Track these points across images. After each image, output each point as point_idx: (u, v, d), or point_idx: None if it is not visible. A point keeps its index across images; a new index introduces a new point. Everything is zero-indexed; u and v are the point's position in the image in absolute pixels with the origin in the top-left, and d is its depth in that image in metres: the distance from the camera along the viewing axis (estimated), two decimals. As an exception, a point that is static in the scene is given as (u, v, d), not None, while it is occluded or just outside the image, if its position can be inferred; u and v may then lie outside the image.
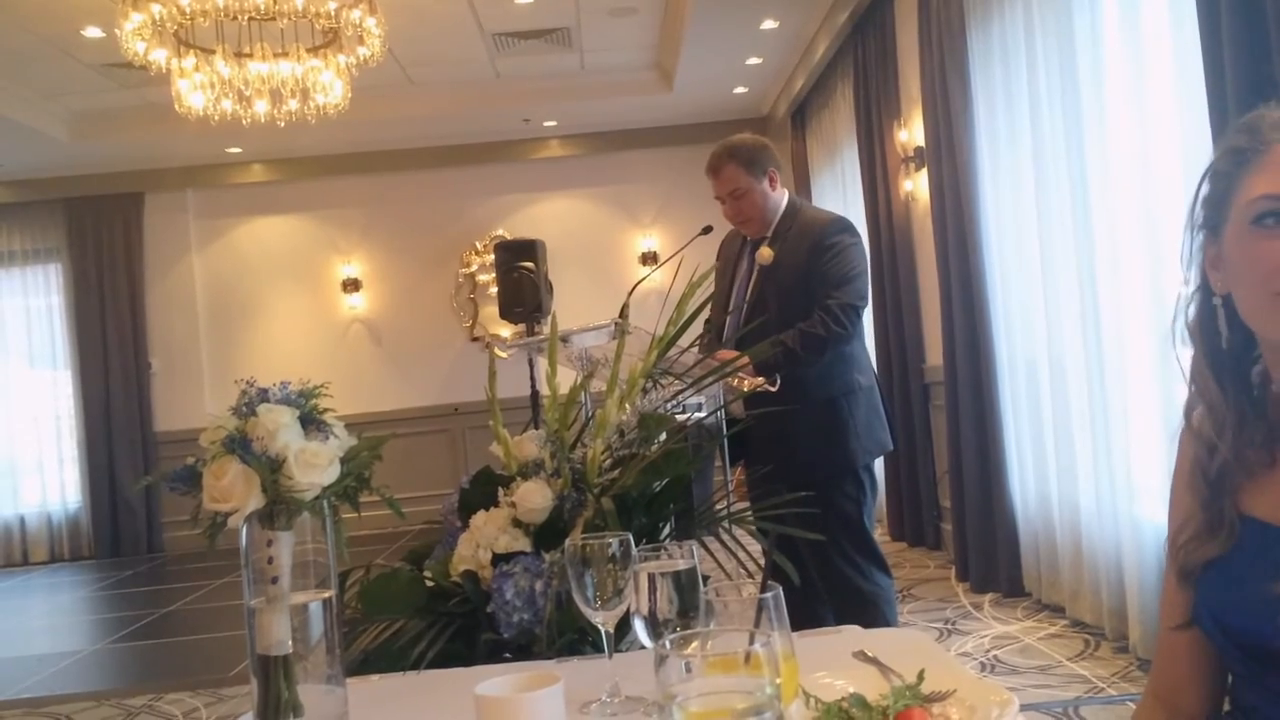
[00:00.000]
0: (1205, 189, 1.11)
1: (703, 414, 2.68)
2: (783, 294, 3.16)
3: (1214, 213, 1.09)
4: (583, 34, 7.21)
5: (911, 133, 5.77)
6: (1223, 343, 1.10)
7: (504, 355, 7.79)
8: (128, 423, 8.96)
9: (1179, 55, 3.20)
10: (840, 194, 7.17)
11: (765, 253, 3.22)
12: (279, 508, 1.13)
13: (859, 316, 3.13)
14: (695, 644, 0.82)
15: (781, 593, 1.02)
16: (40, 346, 9.17)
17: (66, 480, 9.10)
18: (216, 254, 9.23)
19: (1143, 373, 3.60)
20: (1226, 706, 1.17)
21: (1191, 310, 1.13)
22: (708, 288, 2.04)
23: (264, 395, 1.16)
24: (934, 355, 5.58)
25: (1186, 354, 1.15)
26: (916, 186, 5.78)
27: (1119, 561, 3.80)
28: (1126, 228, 3.65)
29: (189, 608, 6.54)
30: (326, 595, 1.17)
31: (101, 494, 8.93)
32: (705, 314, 2.59)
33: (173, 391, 9.01)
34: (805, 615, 3.16)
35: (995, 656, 3.90)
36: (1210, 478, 1.11)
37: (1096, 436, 3.93)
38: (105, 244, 9.01)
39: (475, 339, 9.20)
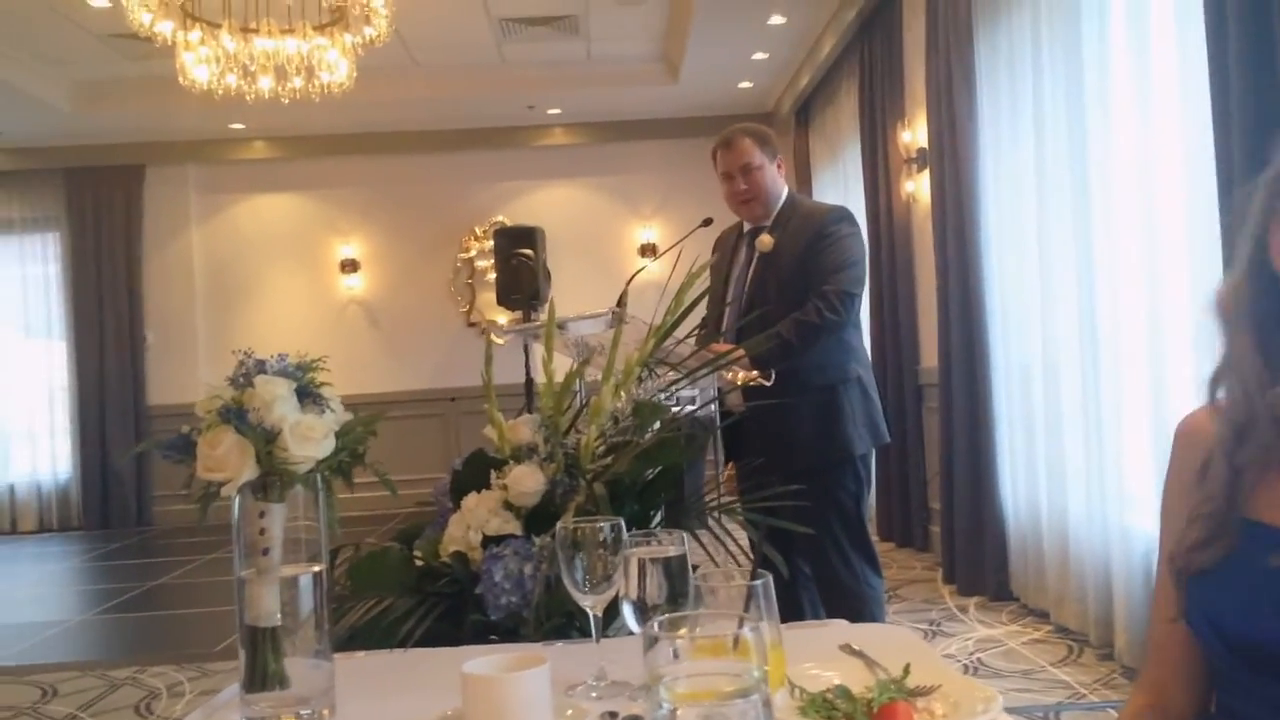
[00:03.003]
0: None
1: (695, 407, 2.68)
2: (783, 282, 3.17)
3: None
4: (590, 22, 7.20)
5: (915, 134, 5.77)
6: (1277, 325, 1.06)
7: (500, 341, 7.77)
8: (121, 395, 8.94)
9: (1184, 66, 3.20)
10: (842, 192, 7.17)
11: (765, 239, 3.22)
12: (272, 479, 1.13)
13: (854, 303, 3.13)
14: (684, 628, 0.83)
15: (771, 580, 1.02)
16: (35, 316, 9.14)
17: (58, 450, 9.08)
18: (215, 229, 9.21)
19: (1136, 382, 3.60)
20: (1213, 708, 1.17)
21: (1245, 289, 1.09)
22: (706, 279, 2.04)
23: (261, 366, 1.16)
24: (929, 357, 5.58)
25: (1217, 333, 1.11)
26: (918, 188, 5.78)
27: (1107, 569, 3.81)
28: (1126, 237, 3.65)
29: (176, 581, 6.54)
30: (317, 569, 1.17)
31: (92, 465, 8.91)
32: (703, 305, 2.60)
33: (167, 365, 8.99)
34: (789, 604, 3.18)
35: (979, 659, 3.91)
36: (1229, 469, 1.08)
37: (1089, 444, 3.93)
38: (104, 215, 8.99)
39: (472, 324, 9.20)
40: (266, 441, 1.11)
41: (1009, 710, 1.05)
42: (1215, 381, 1.13)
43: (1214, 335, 1.13)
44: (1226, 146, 2.85)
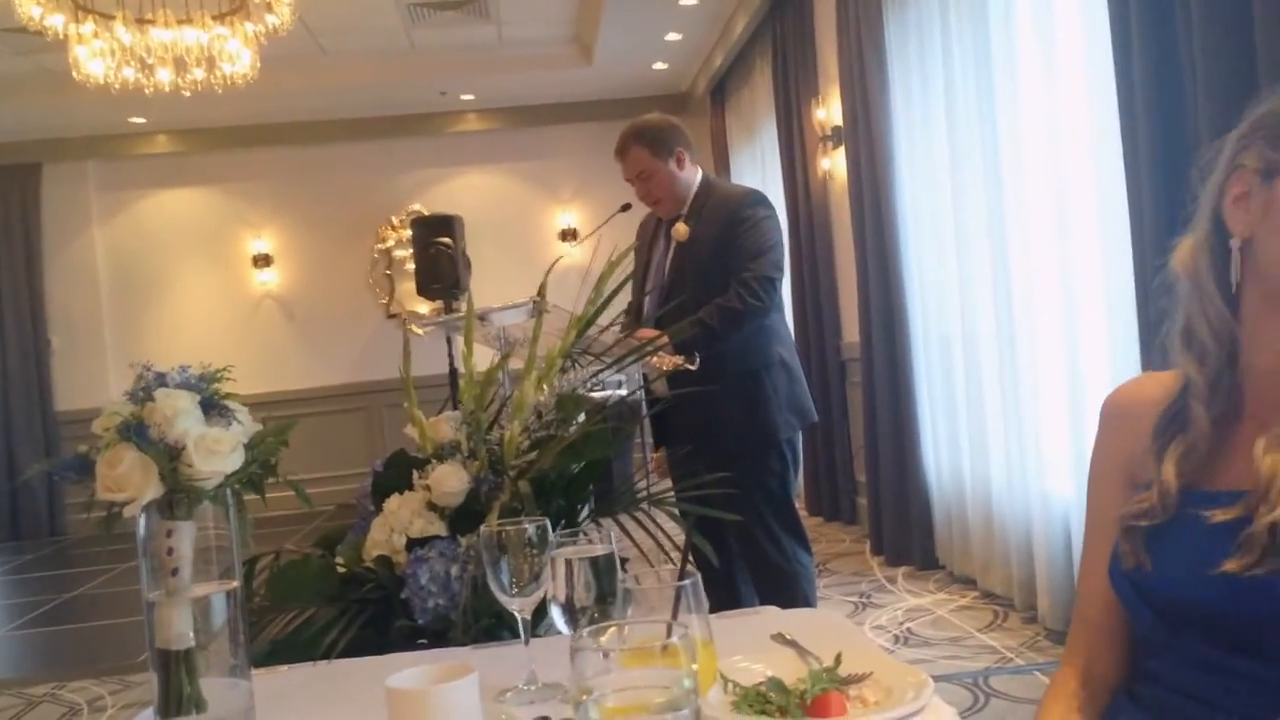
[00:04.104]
0: (1265, 132, 1.07)
1: (622, 392, 2.66)
2: (700, 270, 3.16)
3: (1272, 157, 1.06)
4: (500, 5, 7.10)
5: (829, 111, 5.81)
6: (1233, 288, 1.09)
7: (421, 333, 7.67)
8: (26, 402, 8.63)
9: (1089, 38, 3.26)
10: (759, 172, 7.20)
11: (680, 229, 3.21)
12: (179, 497, 1.08)
13: (775, 288, 3.14)
14: (612, 633, 0.81)
15: (700, 579, 1.00)
16: (-69, 323, 8.77)
17: (-39, 462, 8.75)
18: (120, 227, 8.91)
19: (1052, 352, 3.68)
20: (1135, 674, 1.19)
21: (1202, 255, 1.11)
22: (627, 266, 2.02)
23: (161, 380, 1.11)
24: (851, 332, 5.64)
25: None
26: (834, 165, 5.82)
27: (1028, 534, 3.90)
28: (1037, 208, 3.72)
29: (93, 592, 6.34)
30: (231, 587, 1.13)
31: (-1, 475, 8.60)
32: (625, 293, 2.58)
33: (74, 370, 8.69)
34: (725, 590, 3.19)
35: (908, 629, 3.98)
36: (1208, 419, 1.10)
37: (1008, 412, 4.01)
38: (0, 217, 8.64)
39: (392, 316, 9.06)
40: (170, 458, 1.06)
41: (940, 678, 1.06)
42: (1186, 337, 1.14)
43: (1175, 294, 1.14)
44: (1131, 117, 2.91)
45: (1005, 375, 4.00)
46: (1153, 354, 1.27)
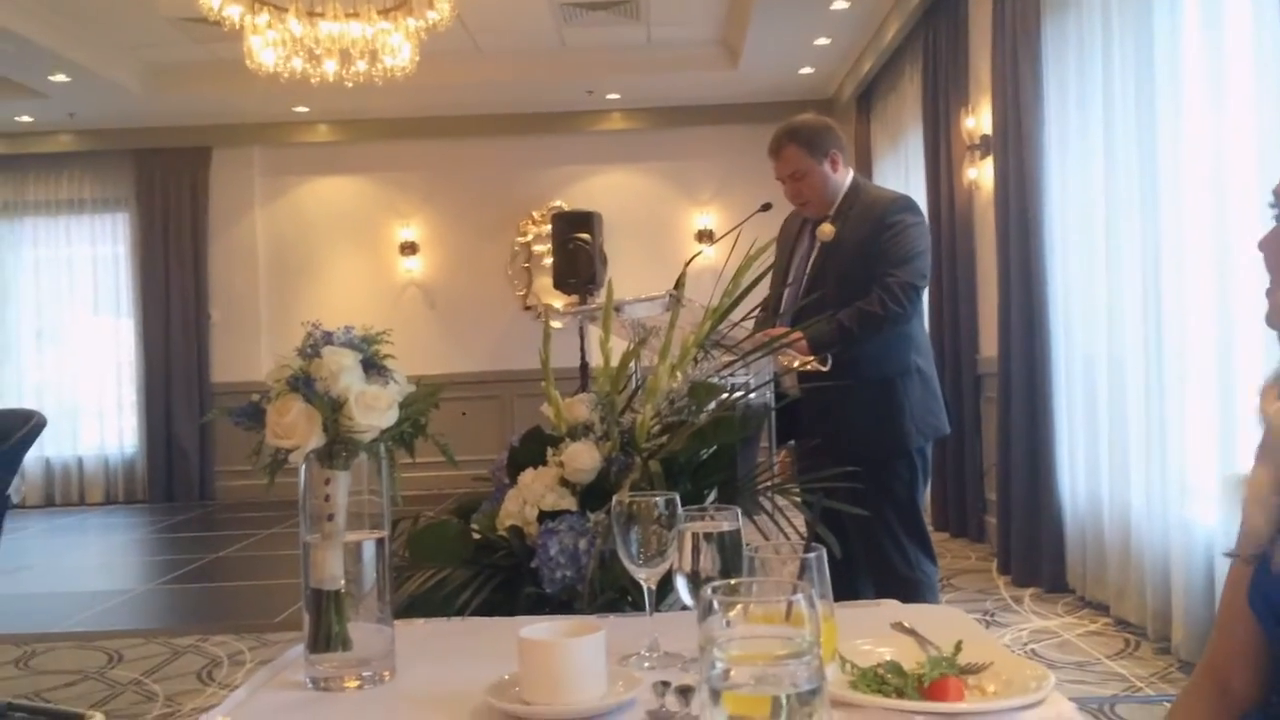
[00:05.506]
0: None
1: (750, 390, 2.68)
2: (843, 271, 3.14)
3: None
4: (650, 6, 7.19)
5: (979, 120, 5.70)
6: None
7: (557, 325, 7.82)
8: (186, 372, 9.16)
9: (1260, 55, 3.12)
10: (903, 180, 7.10)
11: (826, 229, 3.19)
12: (338, 447, 1.16)
13: (918, 296, 3.09)
14: (737, 598, 0.84)
15: (825, 554, 1.03)
16: (105, 294, 9.39)
17: (124, 425, 9.34)
18: (279, 211, 9.37)
19: (1202, 375, 3.54)
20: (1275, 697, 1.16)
21: None
22: (765, 260, 2.04)
23: (328, 338, 1.19)
24: (989, 346, 5.52)
25: None
26: (981, 175, 5.71)
27: (1166, 562, 3.75)
28: (1194, 228, 3.59)
29: (238, 554, 6.70)
30: (380, 535, 1.20)
31: (158, 439, 9.14)
32: (761, 286, 2.58)
33: (231, 343, 9.18)
34: (845, 589, 3.17)
35: (1033, 650, 3.88)
36: None
37: (1151, 437, 3.87)
38: (172, 196, 9.19)
39: (528, 308, 9.26)
40: (333, 410, 1.14)
41: (1062, 700, 1.05)
42: None
43: None
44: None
45: (1151, 398, 3.86)
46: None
